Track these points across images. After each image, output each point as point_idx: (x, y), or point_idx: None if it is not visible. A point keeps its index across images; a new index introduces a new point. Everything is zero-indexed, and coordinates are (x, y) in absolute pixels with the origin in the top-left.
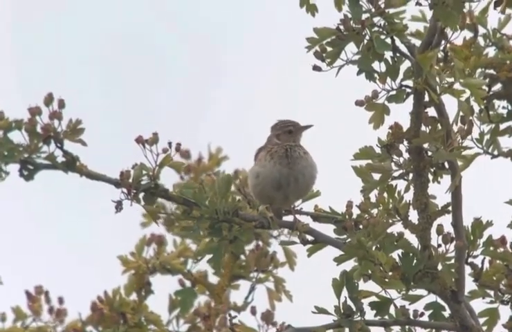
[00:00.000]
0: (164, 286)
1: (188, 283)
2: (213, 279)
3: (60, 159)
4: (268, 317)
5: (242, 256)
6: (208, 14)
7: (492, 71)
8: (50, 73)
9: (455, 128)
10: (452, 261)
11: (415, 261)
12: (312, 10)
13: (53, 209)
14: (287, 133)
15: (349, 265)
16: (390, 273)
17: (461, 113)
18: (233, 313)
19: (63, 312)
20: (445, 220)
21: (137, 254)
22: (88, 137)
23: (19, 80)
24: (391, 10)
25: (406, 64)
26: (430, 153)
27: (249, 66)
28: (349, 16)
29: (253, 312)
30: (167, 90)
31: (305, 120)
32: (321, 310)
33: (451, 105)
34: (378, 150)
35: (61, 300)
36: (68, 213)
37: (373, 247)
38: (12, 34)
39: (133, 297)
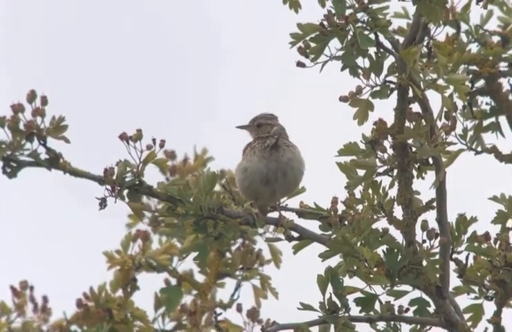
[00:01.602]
0: (150, 284)
1: (174, 281)
2: (199, 276)
3: (43, 156)
4: (253, 315)
5: (228, 254)
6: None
7: (475, 67)
8: (33, 70)
9: (439, 124)
10: (437, 256)
11: (400, 256)
12: (295, 6)
13: (38, 205)
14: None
15: (334, 261)
16: (375, 269)
17: (444, 109)
18: (218, 311)
19: (47, 311)
20: (430, 216)
21: (122, 250)
22: (71, 135)
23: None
24: (375, 6)
25: (390, 60)
26: (414, 149)
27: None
28: (333, 11)
29: (239, 309)
30: (157, 86)
31: (289, 117)
32: (306, 307)
33: (435, 101)
34: (362, 146)
35: (45, 299)
36: (53, 209)
37: (358, 243)
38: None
39: (119, 293)
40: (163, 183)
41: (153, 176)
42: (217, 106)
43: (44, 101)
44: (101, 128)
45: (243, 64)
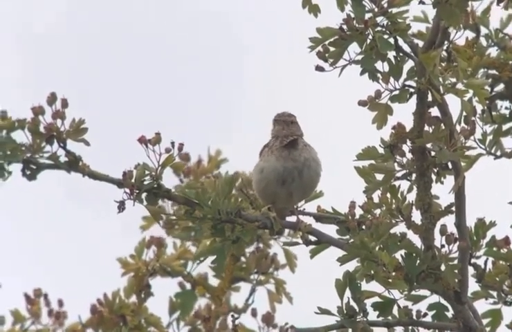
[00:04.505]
0: (164, 289)
1: (188, 286)
2: (213, 281)
3: (63, 159)
4: (268, 319)
5: (242, 258)
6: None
7: (494, 71)
8: (53, 72)
9: (458, 128)
10: (456, 261)
11: (418, 261)
12: (314, 10)
13: (52, 211)
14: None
15: (352, 265)
16: (393, 273)
17: (464, 113)
18: (235, 315)
19: (62, 315)
20: (449, 221)
21: (137, 256)
22: (91, 137)
23: (22, 78)
24: (394, 10)
25: (409, 64)
26: (433, 154)
27: (251, 65)
28: (352, 15)
29: (254, 314)
30: (174, 90)
31: (307, 120)
32: (324, 311)
33: (454, 105)
34: (381, 150)
35: (60, 303)
36: (68, 215)
37: (377, 248)
38: (17, 31)
39: (133, 299)
40: (181, 186)
41: (167, 178)
42: (233, 107)
43: (64, 103)
44: (119, 131)
45: (258, 66)
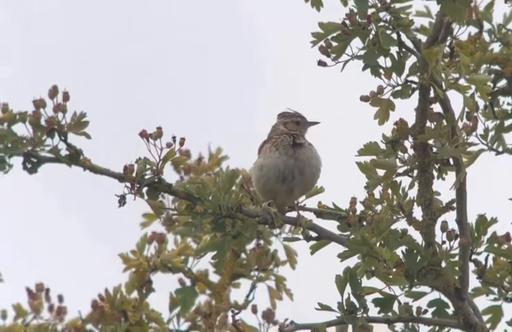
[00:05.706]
0: (165, 284)
1: (188, 282)
2: (214, 277)
3: (64, 152)
4: (269, 316)
5: (243, 255)
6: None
7: (497, 67)
8: (55, 65)
9: (460, 124)
10: (456, 258)
11: (419, 257)
12: (317, 4)
13: (53, 206)
14: (295, 123)
15: (353, 261)
16: (394, 270)
17: (466, 109)
18: (235, 311)
19: (63, 310)
20: (450, 217)
21: (138, 252)
22: (92, 131)
23: (24, 72)
24: (397, 5)
25: (412, 59)
26: (434, 150)
27: (251, 61)
28: (355, 10)
29: (254, 310)
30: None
31: (308, 115)
32: (324, 307)
33: (456, 101)
34: (382, 146)
35: (61, 298)
36: (69, 210)
37: (377, 244)
38: (20, 27)
39: (134, 294)
40: (182, 181)
41: (167, 174)
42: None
43: (66, 97)
44: (120, 125)
45: (260, 63)
